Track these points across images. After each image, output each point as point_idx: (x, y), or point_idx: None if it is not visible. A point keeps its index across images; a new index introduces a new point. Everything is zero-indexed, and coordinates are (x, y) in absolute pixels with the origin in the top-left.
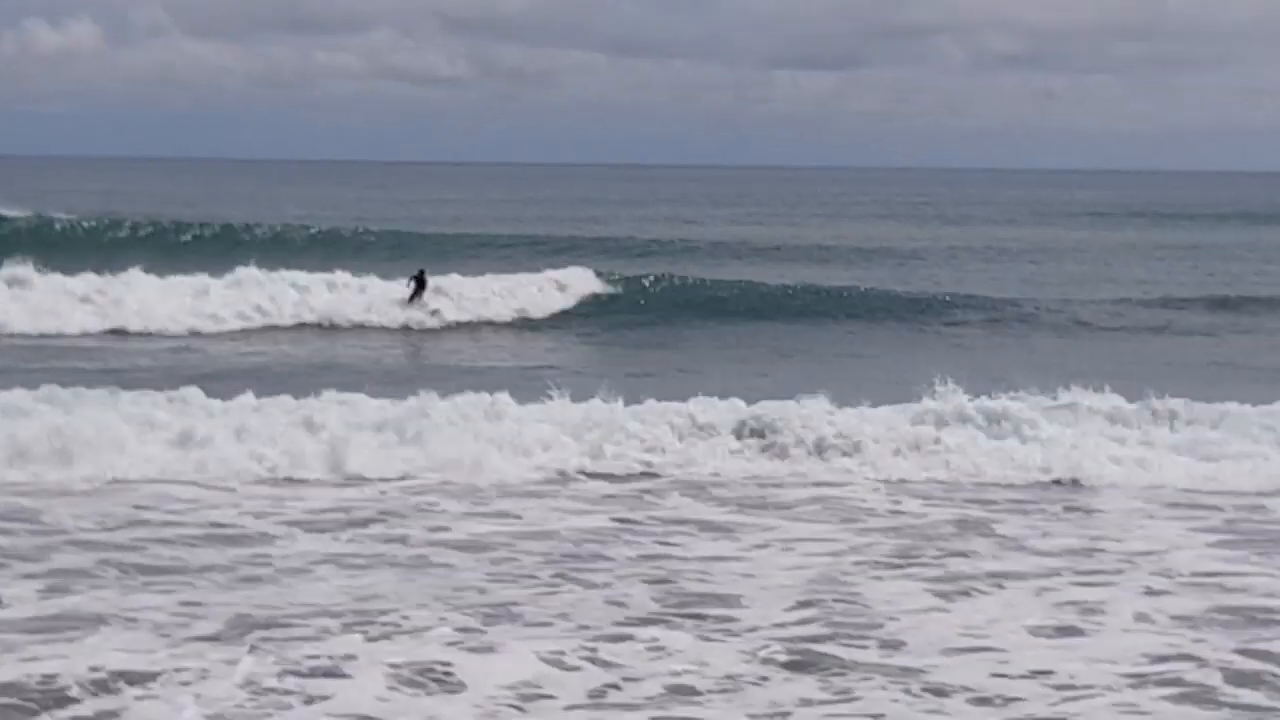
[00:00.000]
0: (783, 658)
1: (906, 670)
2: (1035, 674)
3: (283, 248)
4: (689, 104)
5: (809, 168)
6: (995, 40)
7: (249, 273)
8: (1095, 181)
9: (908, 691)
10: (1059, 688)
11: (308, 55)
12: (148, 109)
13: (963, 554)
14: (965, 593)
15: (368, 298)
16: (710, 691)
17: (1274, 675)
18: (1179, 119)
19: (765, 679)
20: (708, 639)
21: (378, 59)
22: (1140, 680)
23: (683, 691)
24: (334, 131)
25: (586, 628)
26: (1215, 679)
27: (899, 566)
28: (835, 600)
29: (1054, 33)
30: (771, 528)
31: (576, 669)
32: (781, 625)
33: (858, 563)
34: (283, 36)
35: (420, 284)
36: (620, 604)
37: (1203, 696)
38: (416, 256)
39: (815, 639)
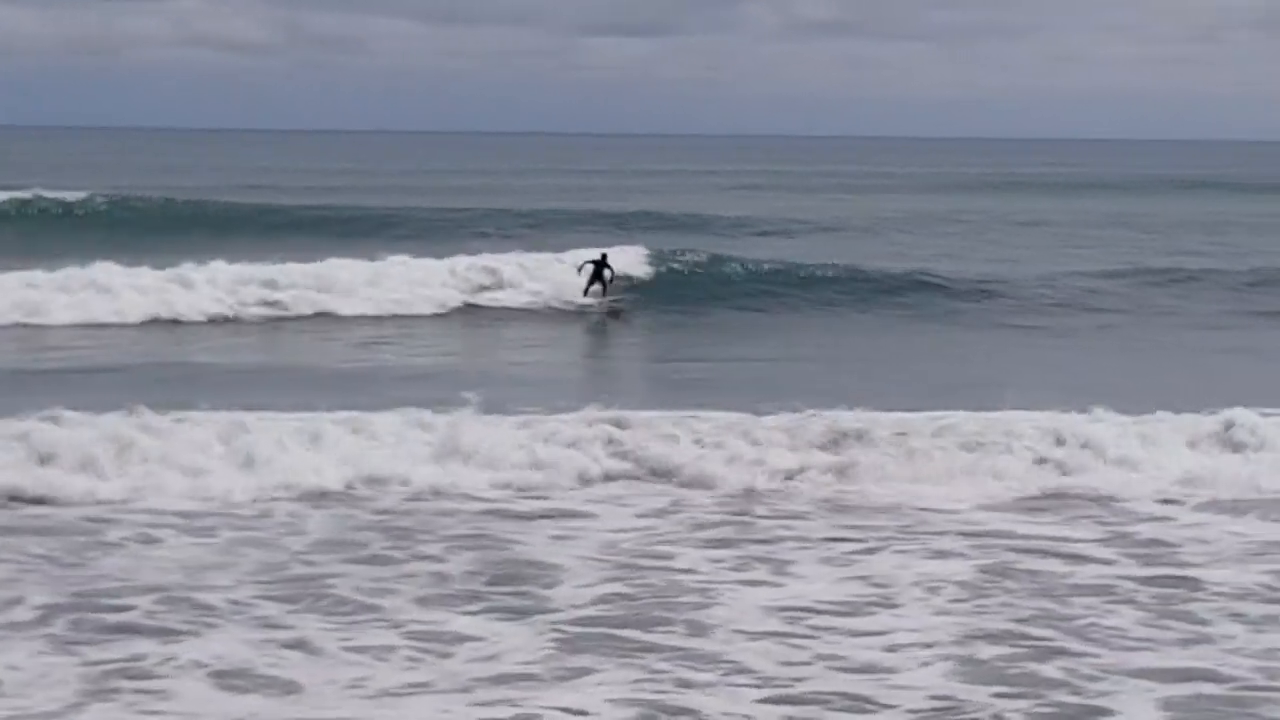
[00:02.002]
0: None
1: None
2: (822, 658)
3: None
4: (502, 71)
5: (623, 135)
6: (808, 7)
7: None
8: (911, 148)
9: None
10: (848, 670)
11: (113, 21)
12: None
13: None
14: None
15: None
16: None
17: None
18: (990, 86)
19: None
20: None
21: (187, 25)
22: None
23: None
24: (141, 98)
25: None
26: None
27: None
28: None
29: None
30: None
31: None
32: None
33: None
34: (87, 1)
35: (600, 271)
36: None
37: None
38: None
39: None
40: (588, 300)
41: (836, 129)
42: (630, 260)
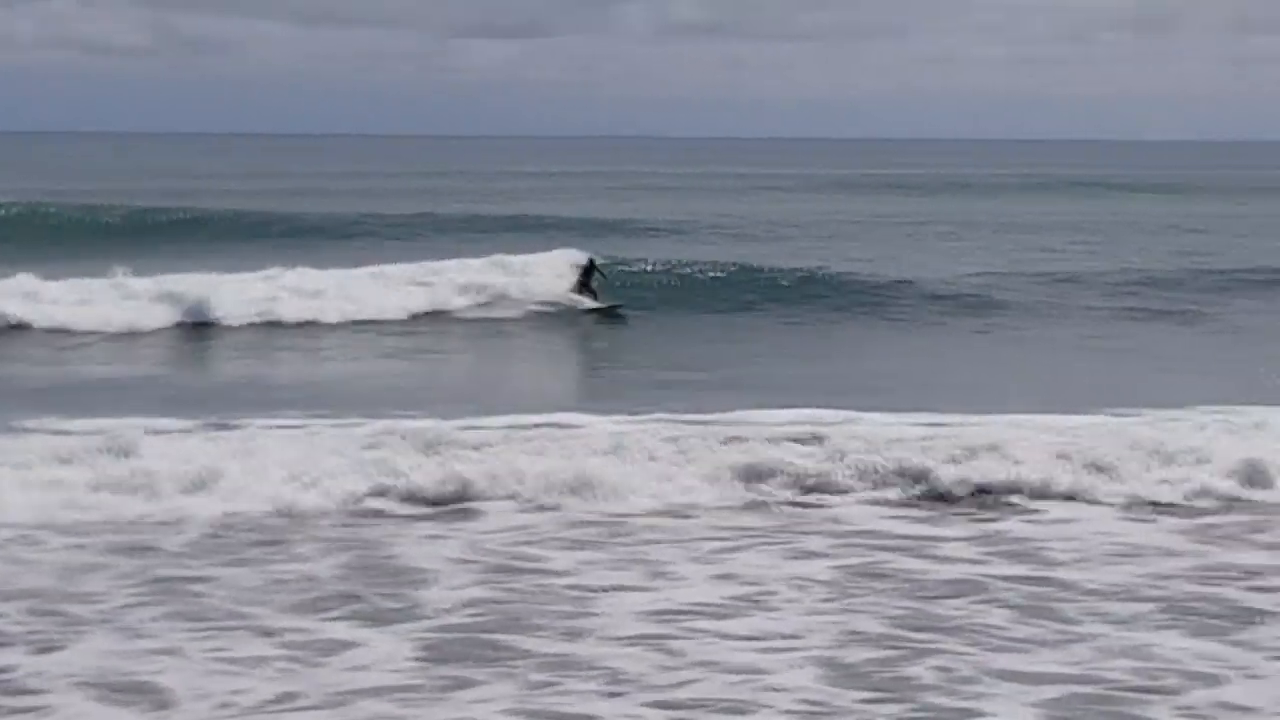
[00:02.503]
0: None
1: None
2: (697, 663)
3: None
4: (374, 73)
5: (495, 136)
6: (681, 9)
7: None
8: (788, 149)
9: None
10: (723, 672)
11: None
12: None
13: None
14: None
15: None
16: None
17: None
18: (863, 87)
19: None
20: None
21: (56, 27)
22: None
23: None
24: (9, 101)
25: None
26: None
27: None
28: None
29: (741, 1)
30: None
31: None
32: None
33: None
34: None
35: (588, 274)
36: None
37: None
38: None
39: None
40: (579, 300)
41: (710, 130)
42: (561, 268)
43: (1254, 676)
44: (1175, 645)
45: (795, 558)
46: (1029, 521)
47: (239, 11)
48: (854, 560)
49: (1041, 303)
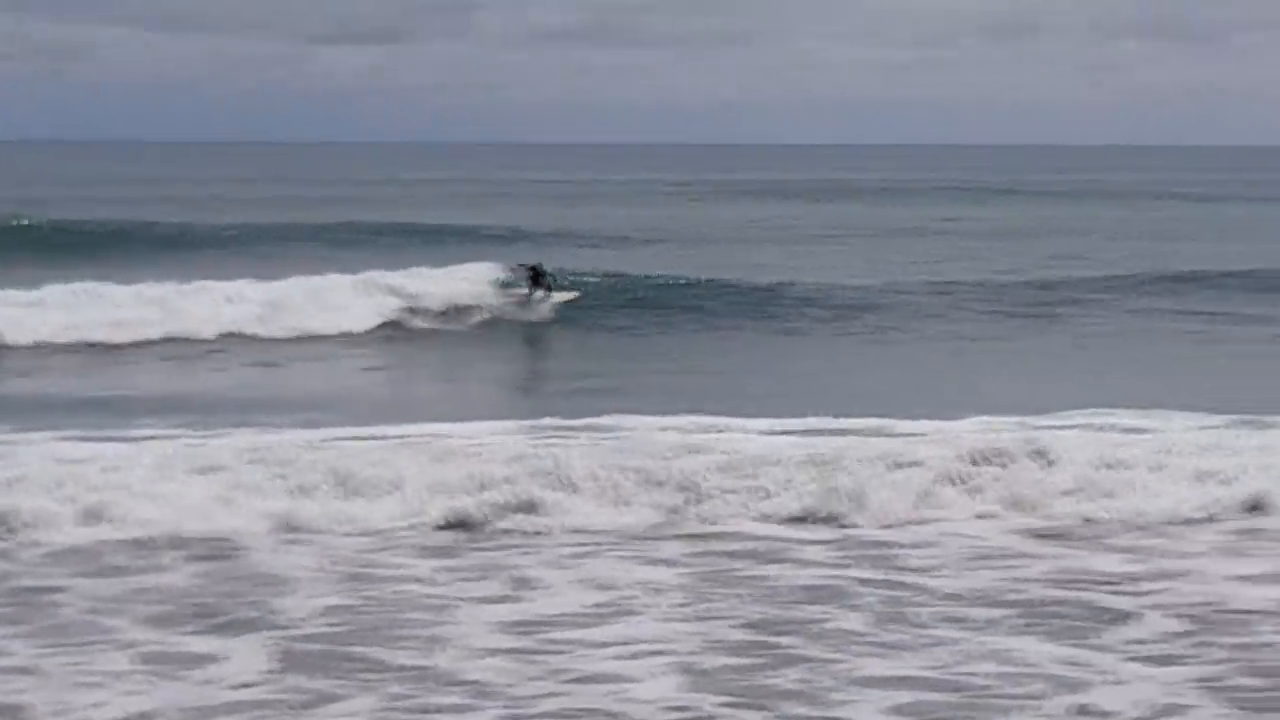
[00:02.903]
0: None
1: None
2: (557, 671)
3: None
4: (232, 80)
5: (354, 143)
6: (541, 14)
7: None
8: (653, 154)
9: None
10: (584, 682)
11: None
12: None
13: None
14: None
15: None
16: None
17: None
18: (725, 93)
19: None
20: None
21: None
22: None
23: None
24: None
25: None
26: None
27: None
28: None
29: (604, 6)
30: None
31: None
32: None
33: None
34: None
35: (538, 278)
36: None
37: None
38: None
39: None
40: (534, 304)
41: (571, 136)
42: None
43: (1115, 681)
44: (1036, 649)
45: (650, 563)
46: (884, 526)
47: (96, 17)
48: (709, 567)
49: (923, 309)
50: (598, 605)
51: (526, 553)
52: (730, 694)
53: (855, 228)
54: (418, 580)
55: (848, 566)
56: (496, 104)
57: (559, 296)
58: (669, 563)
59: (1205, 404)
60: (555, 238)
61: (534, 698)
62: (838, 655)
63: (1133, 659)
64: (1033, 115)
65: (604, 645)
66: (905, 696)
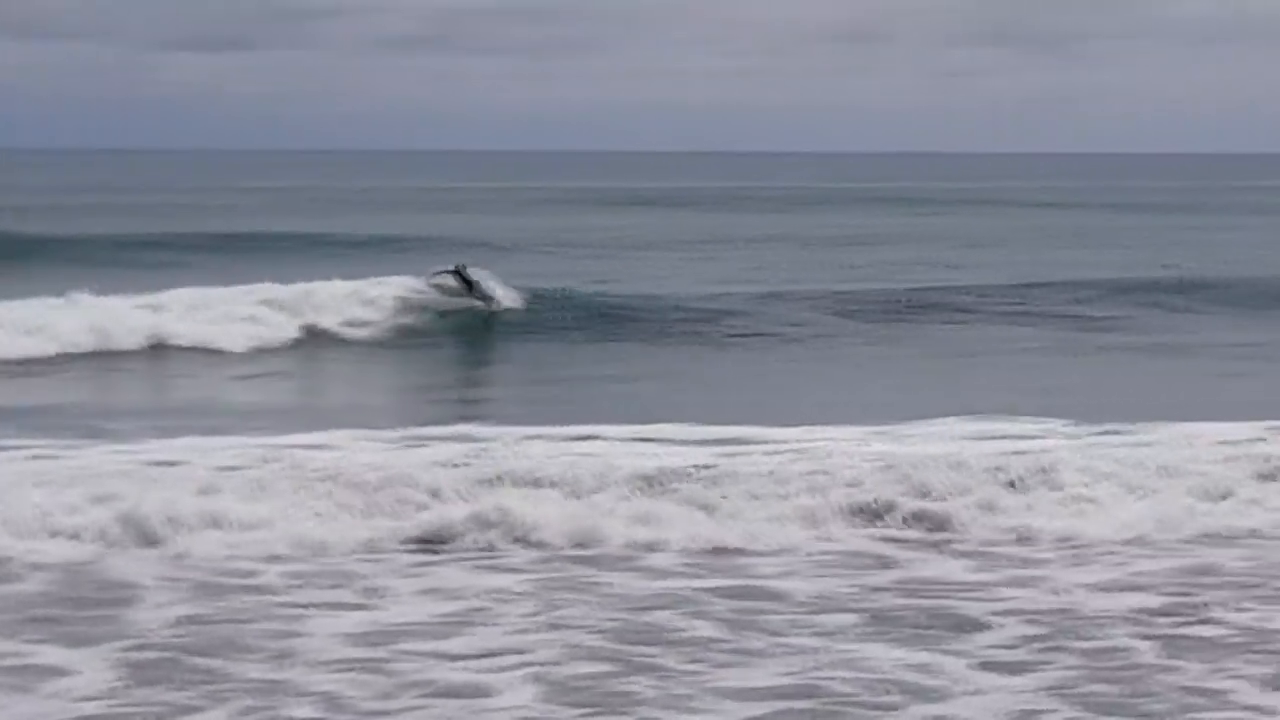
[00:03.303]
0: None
1: None
2: (414, 684)
3: None
4: (73, 87)
5: (198, 150)
6: (390, 22)
7: None
8: (504, 162)
9: None
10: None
11: None
12: None
13: None
14: None
15: None
16: None
17: None
18: (575, 100)
19: None
20: None
21: None
22: None
23: None
24: None
25: None
26: None
27: None
28: None
29: (452, 15)
30: None
31: None
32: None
33: None
34: None
35: (465, 280)
36: None
37: None
38: None
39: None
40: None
41: (420, 143)
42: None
43: (971, 690)
44: (891, 657)
45: (495, 571)
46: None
47: None
48: (555, 574)
49: (777, 317)
50: (447, 615)
51: (371, 561)
52: (590, 704)
53: (704, 236)
54: (269, 590)
55: (697, 575)
56: (341, 112)
57: (502, 300)
58: (514, 570)
59: (1076, 412)
60: (422, 243)
61: (391, 713)
62: (694, 664)
63: (986, 666)
64: (880, 122)
65: (459, 657)
66: (765, 706)
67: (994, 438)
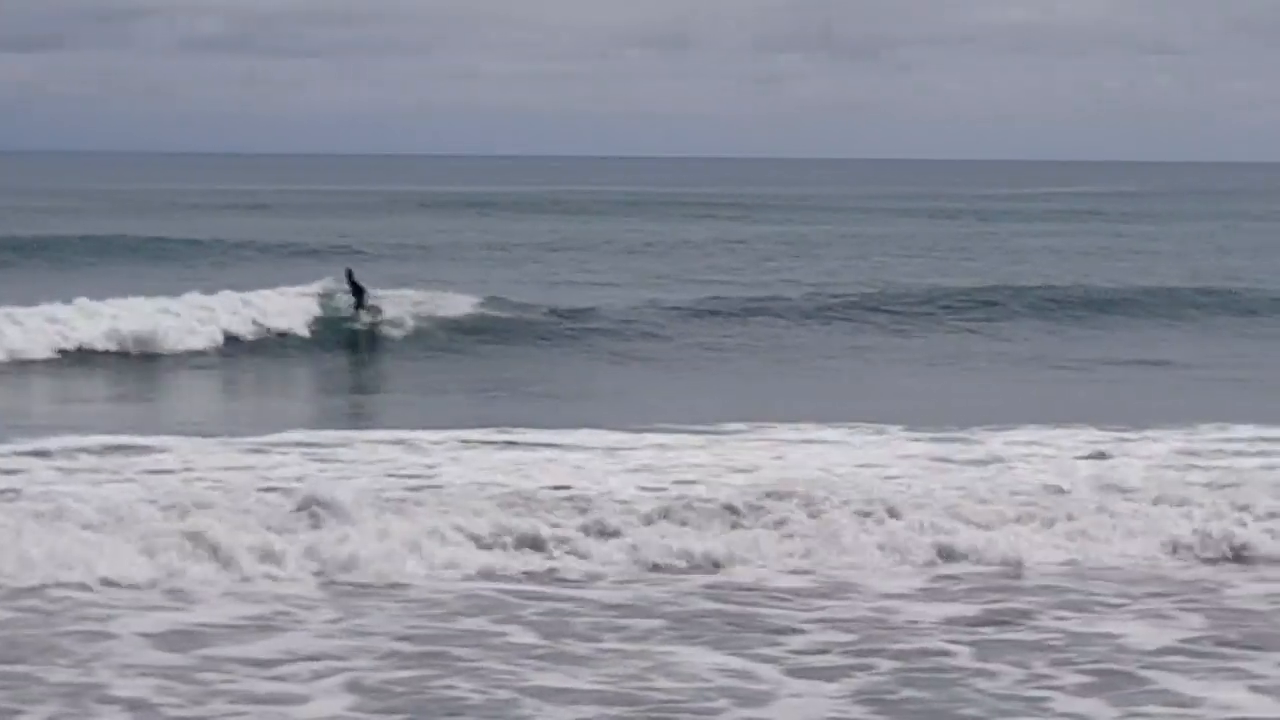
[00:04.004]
0: None
1: None
2: (222, 692)
3: None
4: None
5: (10, 152)
6: (200, 24)
7: None
8: (319, 165)
9: None
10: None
11: None
12: None
13: None
14: None
15: None
16: None
17: None
18: (387, 103)
19: None
20: None
21: None
22: None
23: None
24: None
25: None
26: None
27: None
28: None
29: (262, 17)
30: None
31: None
32: None
33: None
34: None
35: (357, 288)
36: None
37: None
38: None
39: None
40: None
41: (233, 146)
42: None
43: (788, 694)
44: (706, 662)
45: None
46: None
47: None
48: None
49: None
50: (251, 619)
51: None
52: (405, 710)
53: (525, 241)
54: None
55: (508, 579)
56: (156, 113)
57: (387, 313)
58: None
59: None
60: (257, 250)
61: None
62: (511, 668)
63: (797, 672)
64: (690, 127)
65: (268, 663)
66: (588, 710)
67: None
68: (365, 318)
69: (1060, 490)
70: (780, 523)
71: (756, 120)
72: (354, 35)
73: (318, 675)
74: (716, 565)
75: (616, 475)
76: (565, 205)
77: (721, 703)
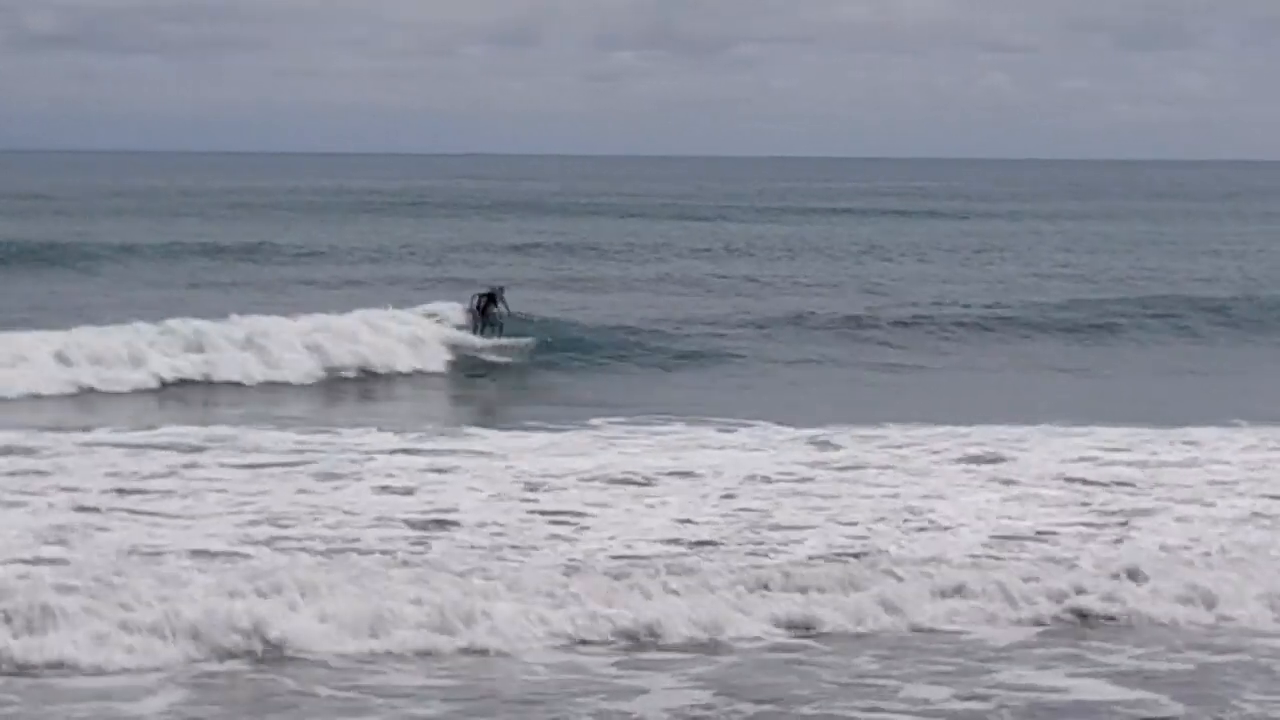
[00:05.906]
0: None
1: None
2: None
3: None
4: None
5: None
6: (33, 20)
7: None
8: (156, 161)
9: None
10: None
11: None
12: None
13: None
14: None
15: None
16: None
17: None
18: (227, 100)
19: None
20: None
21: None
22: None
23: None
24: None
25: None
26: None
27: None
28: None
29: (96, 13)
30: None
31: None
32: None
33: None
34: None
35: (491, 303)
36: None
37: None
38: None
39: None
40: (479, 342)
41: (68, 143)
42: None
43: None
44: None
45: None
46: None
47: None
48: None
49: None
50: None
51: None
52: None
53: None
54: None
55: None
56: None
57: (508, 341)
58: None
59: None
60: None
61: None
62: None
63: None
64: (531, 124)
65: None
66: None
67: None
68: (486, 337)
69: None
70: None
71: (595, 117)
72: (194, 32)
73: None
74: None
75: None
76: (416, 204)
77: None
